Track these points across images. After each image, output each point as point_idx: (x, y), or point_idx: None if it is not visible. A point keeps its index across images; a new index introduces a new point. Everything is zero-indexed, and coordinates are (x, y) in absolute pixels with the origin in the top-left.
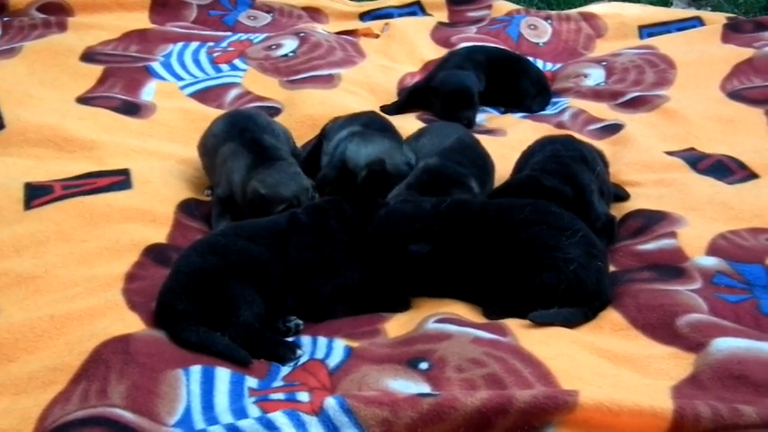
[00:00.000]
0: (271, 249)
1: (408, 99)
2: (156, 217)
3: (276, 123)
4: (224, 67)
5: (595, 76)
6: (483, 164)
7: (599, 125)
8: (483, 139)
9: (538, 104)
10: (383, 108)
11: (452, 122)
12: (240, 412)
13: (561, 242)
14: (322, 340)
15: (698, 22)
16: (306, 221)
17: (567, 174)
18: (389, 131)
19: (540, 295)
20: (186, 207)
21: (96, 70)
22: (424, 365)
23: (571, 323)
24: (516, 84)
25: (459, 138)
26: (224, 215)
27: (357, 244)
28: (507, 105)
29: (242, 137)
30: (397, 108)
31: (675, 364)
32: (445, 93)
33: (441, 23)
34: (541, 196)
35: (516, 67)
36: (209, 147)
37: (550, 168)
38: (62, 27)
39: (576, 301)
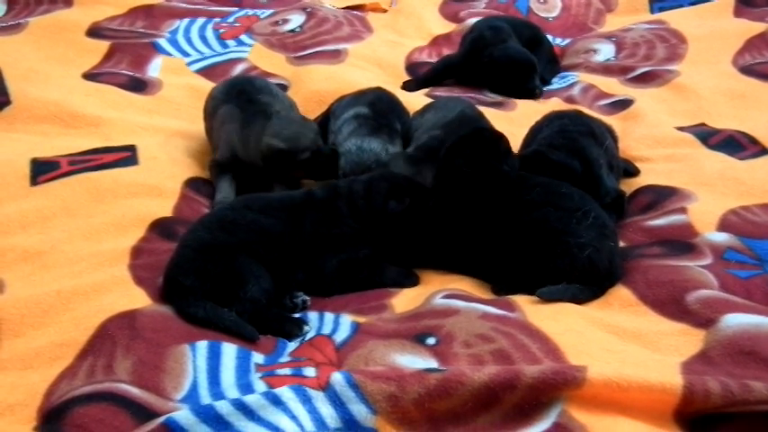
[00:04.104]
0: (284, 222)
1: (443, 74)
2: (162, 192)
3: (277, 88)
4: (230, 42)
5: (605, 52)
6: None
7: (609, 100)
8: (491, 114)
9: (549, 73)
10: (405, 84)
11: (457, 97)
12: (246, 387)
13: (571, 225)
14: (329, 316)
15: None
16: (321, 197)
17: (576, 148)
18: (393, 113)
19: (553, 279)
20: (193, 183)
21: (102, 46)
22: (431, 341)
23: (579, 299)
24: (536, 52)
25: (461, 111)
26: (223, 177)
27: (363, 228)
28: None
29: (238, 98)
30: (423, 83)
31: (685, 340)
32: (511, 66)
33: None
34: (549, 171)
35: (537, 36)
36: (210, 110)
37: (558, 143)
38: (68, 2)
39: (588, 282)
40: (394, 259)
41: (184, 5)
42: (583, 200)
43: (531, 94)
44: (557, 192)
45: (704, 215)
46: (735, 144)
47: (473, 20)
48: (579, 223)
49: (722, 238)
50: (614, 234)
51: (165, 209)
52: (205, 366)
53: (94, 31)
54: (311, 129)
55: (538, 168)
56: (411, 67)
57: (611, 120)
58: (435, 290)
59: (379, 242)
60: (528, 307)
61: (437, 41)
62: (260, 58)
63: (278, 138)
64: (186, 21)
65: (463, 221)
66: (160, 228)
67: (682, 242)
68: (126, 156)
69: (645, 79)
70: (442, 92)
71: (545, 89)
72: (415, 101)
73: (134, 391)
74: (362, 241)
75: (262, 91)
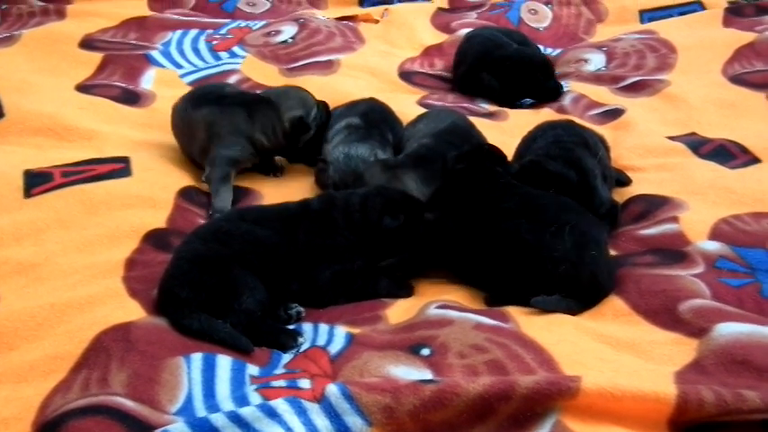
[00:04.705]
0: (279, 233)
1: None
2: (156, 203)
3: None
4: (223, 54)
5: (596, 62)
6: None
7: (600, 110)
8: (483, 124)
9: None
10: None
11: (449, 108)
12: (241, 400)
13: (545, 239)
14: (323, 327)
15: (699, 6)
16: (317, 208)
17: (572, 159)
18: (385, 123)
19: (538, 291)
20: (186, 194)
21: (95, 57)
22: (425, 352)
23: (573, 311)
24: None
25: (453, 122)
26: (225, 183)
27: (359, 240)
28: None
29: (218, 101)
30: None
31: (678, 349)
32: (528, 65)
33: (441, 9)
34: (545, 181)
35: (527, 44)
36: (182, 125)
37: (554, 153)
38: (61, 15)
39: (573, 295)
40: (388, 270)
41: (177, 17)
42: (562, 212)
43: (556, 92)
44: (533, 203)
45: (696, 224)
46: (725, 153)
47: (464, 30)
48: (554, 237)
49: (714, 246)
50: (598, 245)
51: (159, 220)
52: (200, 378)
53: (87, 43)
54: (301, 89)
55: (534, 178)
56: (404, 75)
57: (602, 129)
58: (429, 300)
59: (374, 254)
60: (521, 317)
61: (429, 52)
62: (252, 69)
63: (294, 109)
64: (179, 33)
65: (457, 226)
66: (154, 239)
67: (674, 251)
68: (119, 167)
69: (635, 89)
70: (435, 101)
71: None
72: (408, 110)
73: (129, 403)
74: (357, 253)
75: (223, 88)
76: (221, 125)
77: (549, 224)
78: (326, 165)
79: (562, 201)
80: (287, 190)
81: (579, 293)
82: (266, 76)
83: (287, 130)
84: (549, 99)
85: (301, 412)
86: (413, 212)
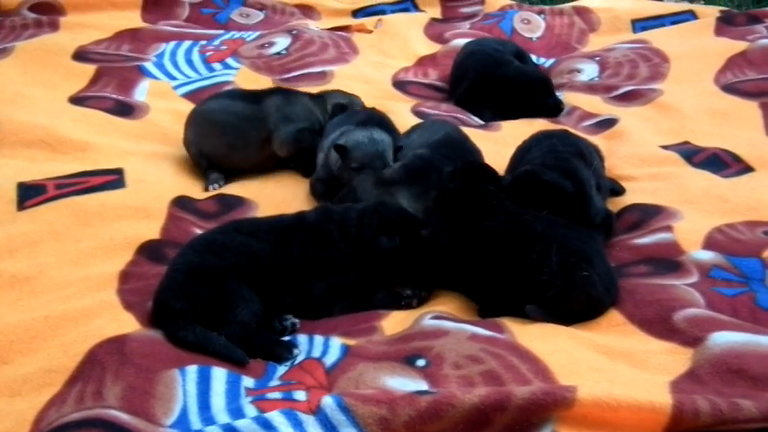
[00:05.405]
0: (273, 245)
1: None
2: (149, 214)
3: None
4: (216, 66)
5: (589, 72)
6: (471, 158)
7: (594, 120)
8: (477, 134)
9: None
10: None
11: (443, 120)
12: (237, 412)
13: (532, 260)
14: (318, 339)
15: (691, 15)
16: (312, 221)
17: (567, 169)
18: (383, 127)
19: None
20: (180, 203)
21: (89, 69)
22: (421, 362)
23: (567, 324)
24: None
25: (447, 133)
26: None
27: (354, 253)
28: None
29: (278, 92)
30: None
31: (673, 359)
32: (527, 84)
33: (434, 19)
34: (541, 191)
35: (521, 55)
36: (236, 120)
37: (549, 163)
38: (54, 26)
39: (569, 314)
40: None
41: (170, 29)
42: (548, 227)
43: (557, 109)
44: (517, 220)
45: (690, 233)
46: (719, 162)
47: (458, 40)
48: (541, 257)
49: (708, 256)
50: (590, 261)
51: (153, 231)
52: (195, 391)
53: (81, 55)
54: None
55: (530, 188)
56: (398, 85)
57: (596, 139)
58: (424, 311)
59: (369, 268)
60: (517, 328)
61: (423, 62)
62: (246, 80)
63: (339, 98)
64: (172, 44)
65: (450, 244)
66: (148, 250)
67: (668, 260)
68: (113, 179)
69: (629, 98)
70: (428, 108)
71: None
72: (402, 119)
73: (124, 417)
74: (352, 265)
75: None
76: (294, 105)
77: (535, 242)
78: (344, 150)
79: (547, 216)
80: (281, 200)
81: (574, 315)
82: (260, 87)
83: (329, 113)
84: (550, 116)
85: (297, 424)
86: (410, 233)
